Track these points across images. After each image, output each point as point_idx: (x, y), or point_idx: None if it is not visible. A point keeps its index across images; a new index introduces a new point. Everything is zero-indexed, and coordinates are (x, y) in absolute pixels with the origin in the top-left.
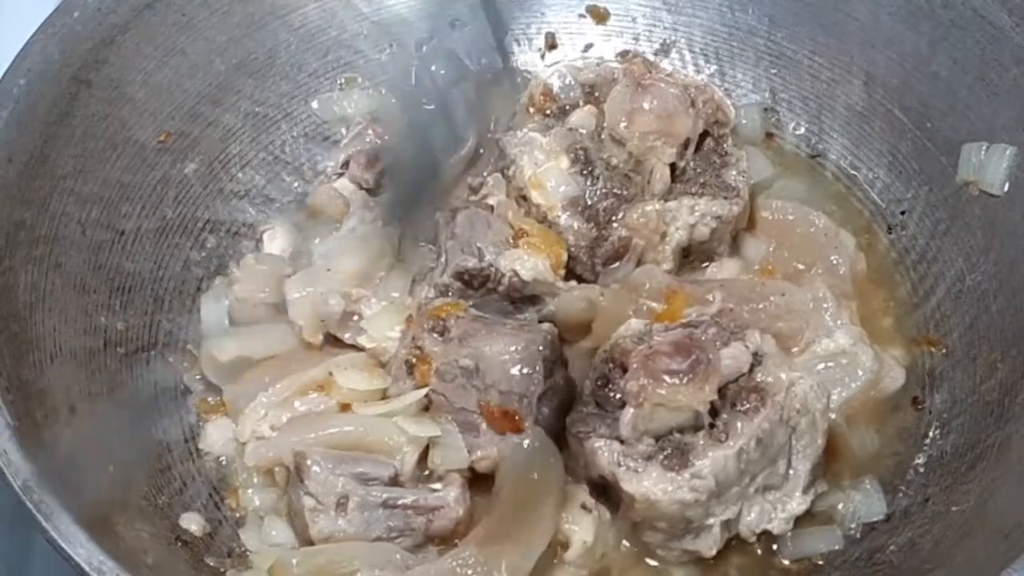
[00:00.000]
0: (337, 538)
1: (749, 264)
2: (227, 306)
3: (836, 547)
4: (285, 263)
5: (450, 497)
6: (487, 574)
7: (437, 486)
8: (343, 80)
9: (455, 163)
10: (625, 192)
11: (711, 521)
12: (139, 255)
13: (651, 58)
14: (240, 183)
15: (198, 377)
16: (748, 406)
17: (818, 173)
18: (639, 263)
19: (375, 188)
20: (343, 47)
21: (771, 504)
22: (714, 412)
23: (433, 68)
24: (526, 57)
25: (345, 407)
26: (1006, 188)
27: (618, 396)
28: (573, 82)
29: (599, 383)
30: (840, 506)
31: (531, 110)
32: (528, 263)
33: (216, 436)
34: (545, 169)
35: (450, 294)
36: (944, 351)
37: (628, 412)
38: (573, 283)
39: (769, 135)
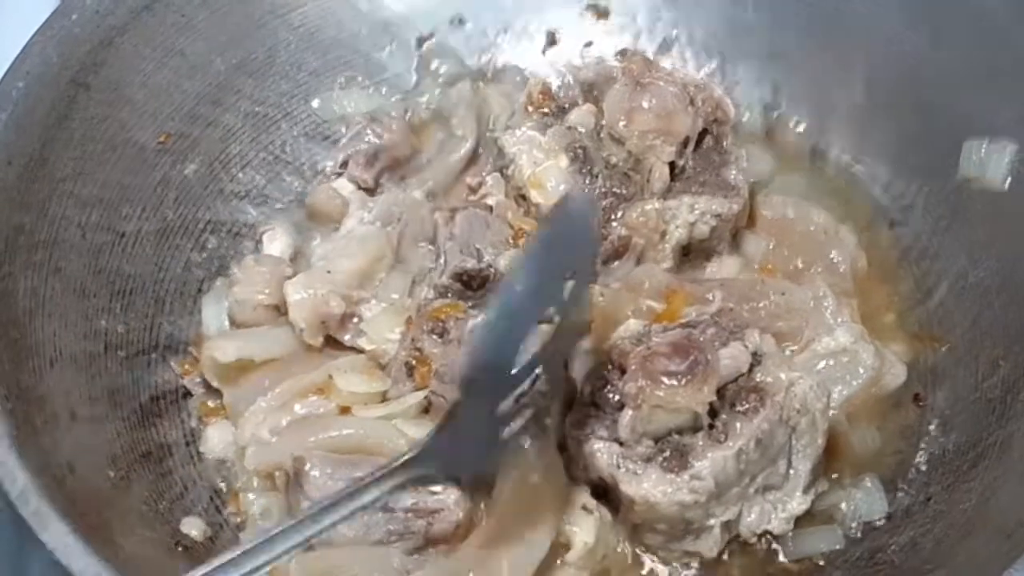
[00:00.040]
0: (336, 542)
1: (749, 262)
2: (227, 308)
3: (837, 547)
4: (285, 264)
5: (450, 500)
6: None
7: (437, 489)
8: (343, 79)
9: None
10: (624, 191)
11: (711, 522)
12: (139, 257)
13: (652, 55)
14: (240, 183)
15: (199, 380)
16: (747, 406)
17: (819, 169)
18: (639, 262)
19: (374, 188)
20: (343, 46)
21: (771, 504)
22: (713, 413)
23: (433, 66)
24: (526, 54)
25: (345, 410)
26: (1008, 184)
27: (617, 398)
28: (572, 81)
29: (597, 385)
30: (841, 505)
31: (530, 109)
32: None
33: (217, 439)
34: (544, 168)
35: (449, 295)
36: (946, 348)
37: (627, 414)
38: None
39: (770, 132)
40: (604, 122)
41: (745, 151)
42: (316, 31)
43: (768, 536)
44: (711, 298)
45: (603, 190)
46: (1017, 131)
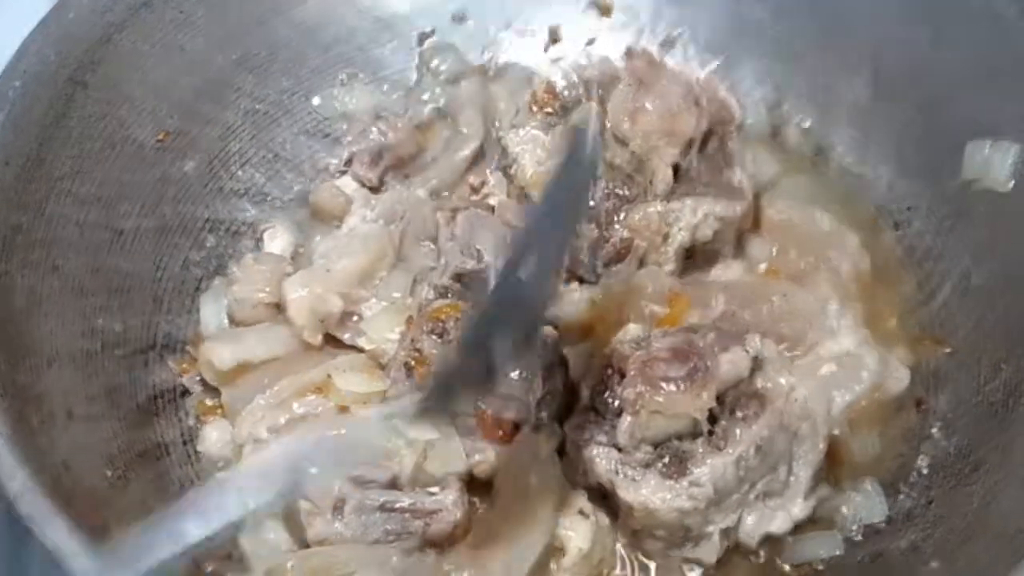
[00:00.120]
0: (334, 541)
1: (753, 265)
2: (226, 306)
3: (838, 551)
4: (285, 262)
5: (448, 500)
6: None
7: (435, 489)
8: (344, 76)
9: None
10: (627, 192)
11: (710, 529)
12: (137, 256)
13: (655, 52)
14: (240, 181)
15: (197, 379)
16: (747, 412)
17: (822, 171)
18: (641, 264)
19: (378, 186)
20: (344, 43)
21: (771, 511)
22: (713, 419)
23: (435, 64)
24: (529, 51)
25: (343, 409)
26: (1012, 185)
27: (616, 403)
28: (576, 80)
29: (597, 390)
30: (841, 509)
31: (534, 108)
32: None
33: (214, 438)
34: (547, 168)
35: (449, 295)
36: (949, 351)
37: (626, 420)
38: (575, 284)
39: (773, 132)
40: (608, 122)
41: (750, 153)
42: (317, 28)
43: (769, 541)
44: (714, 302)
45: (606, 191)
46: (1021, 132)
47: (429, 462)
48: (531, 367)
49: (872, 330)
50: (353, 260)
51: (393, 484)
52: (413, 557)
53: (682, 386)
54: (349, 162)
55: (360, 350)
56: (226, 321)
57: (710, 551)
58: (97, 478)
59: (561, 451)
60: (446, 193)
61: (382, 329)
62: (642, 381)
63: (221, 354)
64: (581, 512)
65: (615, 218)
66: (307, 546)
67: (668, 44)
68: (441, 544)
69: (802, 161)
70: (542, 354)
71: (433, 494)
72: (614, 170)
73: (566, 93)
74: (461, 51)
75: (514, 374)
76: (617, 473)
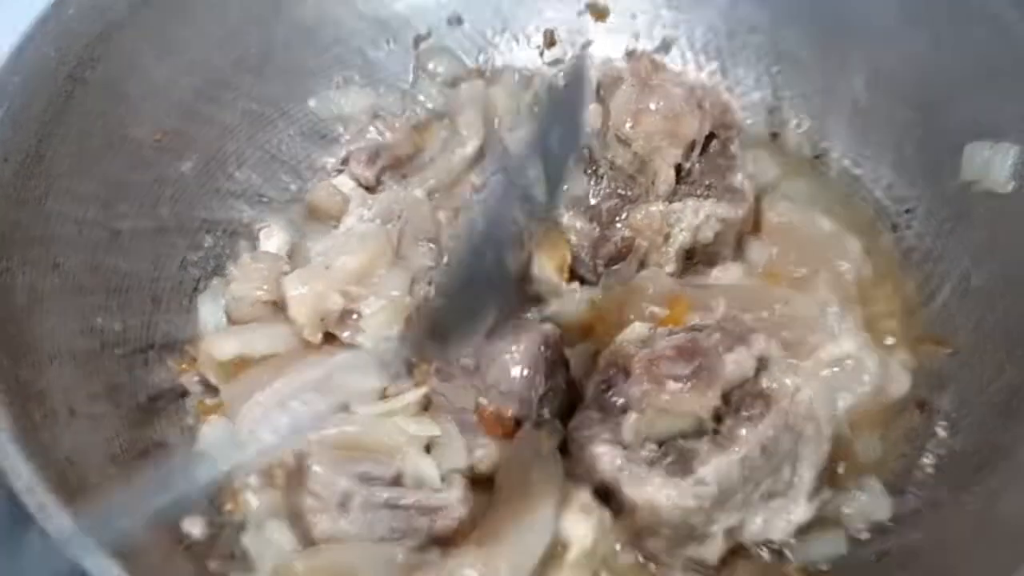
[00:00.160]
0: (340, 539)
1: (753, 268)
2: (224, 305)
3: (842, 552)
4: (283, 261)
5: (453, 497)
6: None
7: (440, 486)
8: (340, 78)
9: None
10: (629, 193)
11: (714, 528)
12: (136, 255)
13: (655, 54)
14: (237, 182)
15: (196, 378)
16: (753, 412)
17: (822, 173)
18: (642, 265)
19: (375, 185)
20: (341, 45)
21: (775, 511)
22: (718, 418)
23: (431, 66)
24: (524, 54)
25: (344, 407)
26: (1011, 187)
27: (621, 401)
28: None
29: (602, 387)
30: (845, 509)
31: (535, 109)
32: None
33: (214, 437)
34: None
35: None
36: (950, 352)
37: (631, 417)
38: (576, 284)
39: (773, 134)
40: (610, 123)
41: (751, 156)
42: (314, 29)
43: (773, 542)
44: (714, 305)
45: (608, 191)
46: (1020, 133)
47: (432, 458)
48: (533, 363)
49: (873, 333)
50: (352, 258)
51: (397, 481)
52: (419, 555)
53: (687, 385)
54: (346, 161)
55: (357, 348)
56: (224, 321)
57: (713, 551)
58: (100, 476)
59: (563, 449)
60: (444, 192)
61: (381, 327)
62: (648, 379)
63: (222, 346)
64: (584, 508)
65: (616, 217)
66: (311, 544)
67: (665, 47)
68: (446, 541)
69: (801, 163)
70: (544, 352)
71: (438, 491)
72: (616, 170)
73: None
74: (457, 54)
75: (516, 370)
76: (622, 470)
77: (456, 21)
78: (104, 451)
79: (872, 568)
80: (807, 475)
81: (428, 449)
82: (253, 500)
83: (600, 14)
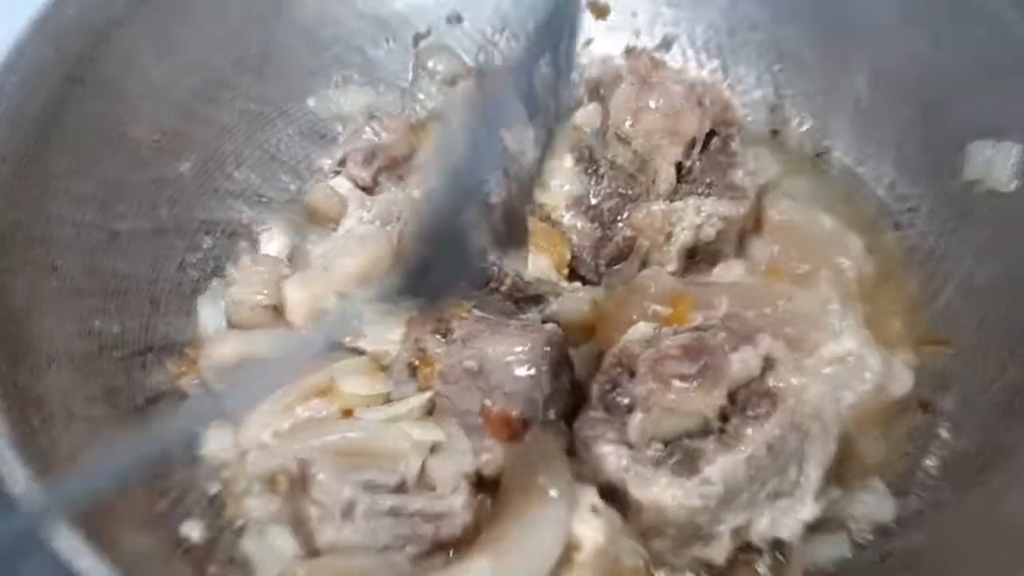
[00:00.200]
0: (343, 547)
1: (755, 266)
2: (224, 308)
3: (847, 553)
4: (283, 264)
5: (457, 503)
6: None
7: (444, 492)
8: (339, 77)
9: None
10: (630, 192)
11: (721, 528)
12: (134, 256)
13: (656, 52)
14: (236, 182)
15: (196, 382)
16: (759, 411)
17: (823, 171)
18: (643, 264)
19: (373, 186)
20: (340, 43)
21: (781, 511)
22: (724, 417)
23: (431, 64)
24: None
25: (347, 412)
26: (1014, 186)
27: (626, 401)
28: (578, 79)
29: (607, 387)
30: (850, 510)
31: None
32: (531, 263)
33: (216, 443)
34: (548, 168)
35: None
36: (953, 351)
37: (636, 417)
38: (577, 284)
39: (773, 132)
40: (610, 122)
41: (752, 153)
42: (313, 28)
43: (778, 543)
44: (717, 303)
45: (608, 191)
46: (1023, 132)
47: (436, 462)
48: (538, 364)
49: (875, 331)
50: (351, 261)
51: (401, 488)
52: (424, 562)
53: (693, 384)
54: (343, 162)
55: (361, 352)
56: (224, 323)
57: (719, 551)
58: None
59: (569, 450)
60: None
61: (384, 331)
62: (653, 378)
63: (223, 350)
64: (593, 508)
65: (617, 217)
66: (314, 552)
67: (665, 45)
68: (452, 547)
69: (803, 162)
70: (549, 353)
71: (443, 497)
72: (616, 169)
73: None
74: (457, 52)
75: (520, 371)
76: (627, 471)
77: (456, 19)
78: (103, 455)
79: (875, 570)
80: (814, 474)
81: (433, 453)
82: (255, 506)
83: (600, 12)
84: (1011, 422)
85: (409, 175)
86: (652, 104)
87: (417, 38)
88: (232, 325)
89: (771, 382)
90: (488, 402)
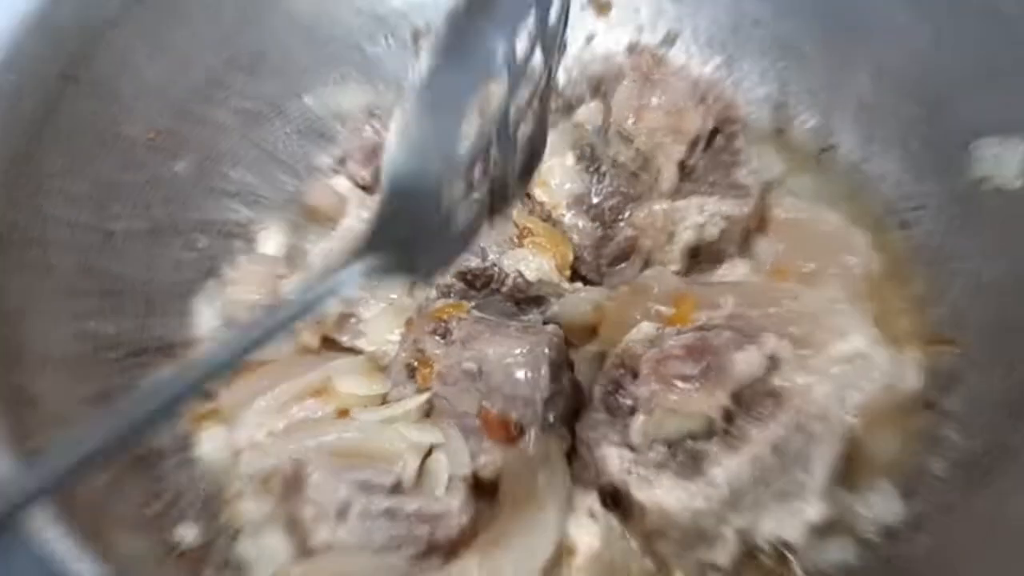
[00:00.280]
0: (338, 547)
1: (760, 265)
2: (220, 309)
3: (854, 555)
4: (280, 264)
5: (454, 505)
6: None
7: (440, 493)
8: (337, 75)
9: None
10: (632, 190)
11: (725, 530)
12: (129, 257)
13: (658, 49)
14: (232, 182)
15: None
16: (764, 412)
17: (829, 169)
18: (646, 264)
19: (373, 185)
20: (338, 41)
21: (787, 512)
22: (729, 418)
23: None
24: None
25: (343, 413)
26: (1020, 183)
27: (629, 402)
28: (579, 76)
29: (609, 389)
30: (857, 510)
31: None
32: (533, 263)
33: (210, 444)
34: (550, 166)
35: (452, 295)
36: (961, 351)
37: (639, 419)
38: (579, 284)
39: (778, 129)
40: (612, 119)
41: (756, 152)
42: (310, 26)
43: (784, 545)
44: (722, 303)
45: (610, 189)
46: None
47: (433, 464)
48: (537, 366)
49: (882, 330)
50: None
51: (397, 489)
52: (420, 563)
53: (696, 384)
54: (342, 161)
55: (359, 352)
56: (220, 323)
57: (725, 553)
58: (92, 483)
59: (569, 453)
60: None
61: (382, 330)
62: (656, 380)
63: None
64: (590, 513)
65: (619, 216)
66: (308, 553)
67: (668, 42)
68: (448, 549)
69: (807, 160)
70: (548, 354)
71: (439, 498)
72: (618, 167)
73: (568, 90)
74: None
75: (520, 373)
76: (630, 473)
77: None
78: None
79: (882, 572)
80: (819, 475)
81: (430, 455)
82: (250, 508)
83: (603, 8)
84: (1019, 423)
85: None
86: (655, 101)
87: (416, 35)
88: (228, 326)
89: (776, 382)
90: (487, 404)
